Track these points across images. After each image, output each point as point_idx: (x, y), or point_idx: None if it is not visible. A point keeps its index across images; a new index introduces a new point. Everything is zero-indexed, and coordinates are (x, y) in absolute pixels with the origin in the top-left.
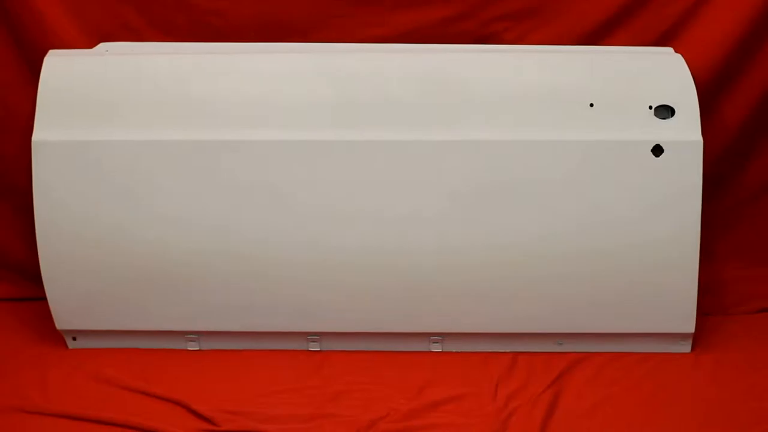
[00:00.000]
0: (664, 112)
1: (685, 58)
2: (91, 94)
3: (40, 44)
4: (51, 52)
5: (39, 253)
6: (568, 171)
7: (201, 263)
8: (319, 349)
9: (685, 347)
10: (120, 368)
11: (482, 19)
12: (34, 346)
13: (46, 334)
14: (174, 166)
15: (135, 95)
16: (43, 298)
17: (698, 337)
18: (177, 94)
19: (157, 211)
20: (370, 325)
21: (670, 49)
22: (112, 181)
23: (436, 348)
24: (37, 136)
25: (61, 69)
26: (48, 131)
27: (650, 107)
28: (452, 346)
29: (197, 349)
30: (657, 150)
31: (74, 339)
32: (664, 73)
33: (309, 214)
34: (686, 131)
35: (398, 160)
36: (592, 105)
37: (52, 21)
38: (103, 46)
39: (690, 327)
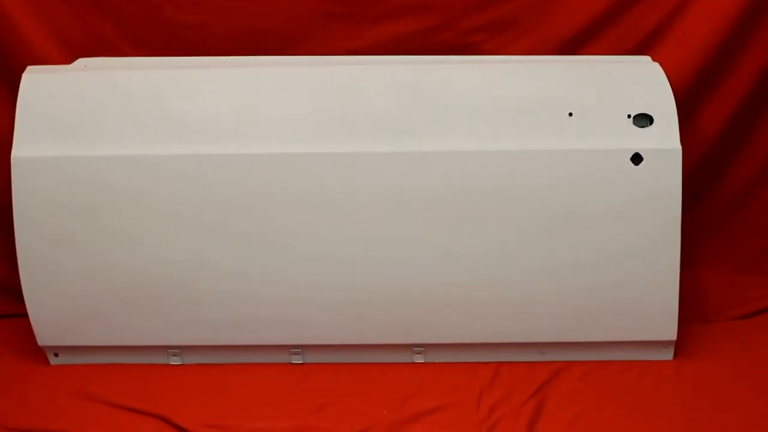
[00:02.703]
0: (643, 120)
1: (662, 67)
2: (71, 110)
3: (17, 61)
4: (29, 68)
5: (20, 270)
6: (548, 180)
7: (183, 278)
8: (301, 362)
9: (667, 355)
10: (102, 384)
11: (461, 30)
12: (15, 362)
13: (27, 351)
14: (154, 181)
15: (115, 110)
16: (25, 315)
17: (680, 345)
18: (157, 109)
19: (139, 226)
20: (352, 337)
21: (647, 58)
22: (93, 197)
23: (419, 359)
24: (16, 152)
25: (39, 85)
26: (27, 148)
27: (629, 116)
28: (435, 357)
29: (180, 363)
30: (636, 158)
31: (56, 355)
32: (642, 81)
33: (290, 227)
34: (665, 139)
35: (379, 171)
36: (570, 114)
37: (29, 37)
38: (81, 62)
39: (672, 334)
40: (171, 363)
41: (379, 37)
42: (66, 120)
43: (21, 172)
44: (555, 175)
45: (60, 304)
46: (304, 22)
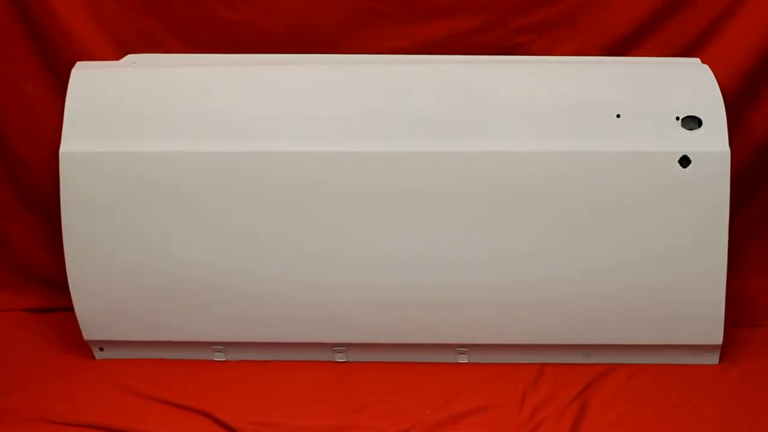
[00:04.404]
0: (691, 122)
1: (712, 69)
2: (119, 106)
3: (67, 56)
4: (78, 64)
5: (66, 264)
6: (595, 182)
7: (228, 274)
8: (344, 360)
9: (713, 359)
10: (146, 379)
11: (508, 31)
12: (61, 356)
13: (73, 345)
14: (201, 177)
15: (162, 107)
16: (71, 309)
17: (726, 349)
18: (204, 106)
19: (185, 222)
20: (396, 336)
21: (697, 60)
22: (140, 193)
23: (463, 359)
24: (64, 147)
25: (88, 81)
26: (76, 143)
27: (677, 118)
28: (478, 358)
29: (223, 359)
30: (684, 161)
31: (101, 349)
32: (691, 83)
33: (334, 226)
34: (713, 142)
35: (422, 171)
36: (618, 116)
37: (79, 33)
38: (130, 58)
39: (718, 338)
40: (215, 359)
41: (425, 36)
42: (114, 116)
43: (69, 168)
44: (602, 176)
45: (106, 299)
46: (350, 20)
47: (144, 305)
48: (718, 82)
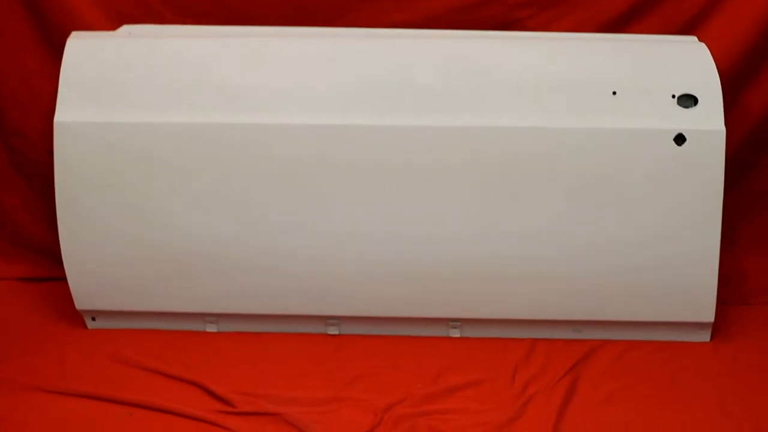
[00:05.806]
0: (687, 101)
1: (709, 47)
2: (114, 77)
3: (63, 26)
4: (74, 33)
5: (59, 234)
6: (590, 159)
7: (221, 245)
8: (337, 333)
9: (704, 336)
10: (138, 349)
11: (507, 6)
12: (53, 325)
13: (65, 314)
14: (195, 148)
15: (157, 78)
16: (63, 278)
17: (718, 327)
18: (199, 77)
19: (178, 194)
20: (389, 309)
21: (694, 38)
22: (133, 163)
23: (455, 333)
24: (59, 117)
25: (83, 51)
26: (70, 113)
27: (673, 96)
28: (471, 332)
29: (216, 331)
30: (679, 139)
31: (93, 319)
32: (688, 61)
33: (329, 199)
34: (709, 120)
35: (417, 145)
36: (614, 93)
37: (75, 3)
38: (125, 29)
39: (710, 316)
40: (207, 330)
41: (425, 11)
42: (109, 86)
43: (63, 137)
44: (597, 153)
45: (99, 269)
46: None
47: (137, 276)
48: (714, 60)
